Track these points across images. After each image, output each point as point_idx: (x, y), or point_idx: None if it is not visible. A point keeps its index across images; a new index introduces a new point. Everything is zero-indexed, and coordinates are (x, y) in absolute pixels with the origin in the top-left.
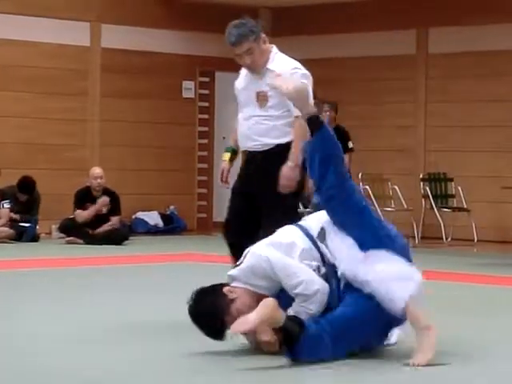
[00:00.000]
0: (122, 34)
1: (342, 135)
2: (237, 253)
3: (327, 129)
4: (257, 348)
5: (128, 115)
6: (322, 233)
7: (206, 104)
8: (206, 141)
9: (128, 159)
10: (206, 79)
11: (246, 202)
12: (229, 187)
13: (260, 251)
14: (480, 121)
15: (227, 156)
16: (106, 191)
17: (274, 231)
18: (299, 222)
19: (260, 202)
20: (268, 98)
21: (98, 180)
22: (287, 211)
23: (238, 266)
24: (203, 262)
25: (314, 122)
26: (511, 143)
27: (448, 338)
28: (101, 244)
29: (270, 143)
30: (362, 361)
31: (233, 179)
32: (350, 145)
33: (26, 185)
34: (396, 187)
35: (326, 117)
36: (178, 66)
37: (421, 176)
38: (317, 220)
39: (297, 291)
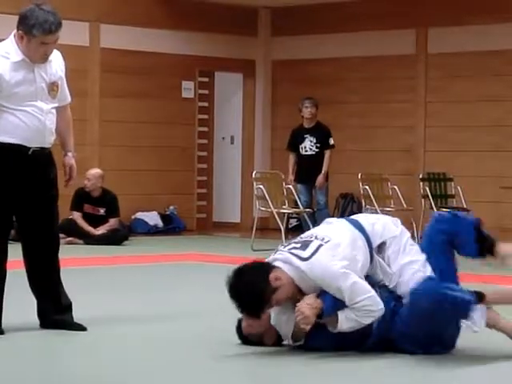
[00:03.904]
0: (121, 33)
1: (325, 132)
2: None
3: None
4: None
5: (127, 115)
6: (382, 245)
7: (206, 104)
8: (205, 141)
9: (127, 159)
10: (206, 79)
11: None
12: None
13: (333, 267)
14: (479, 121)
15: None
16: (104, 192)
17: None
18: (364, 226)
19: (36, 203)
20: (59, 88)
21: (85, 181)
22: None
23: (300, 257)
24: (203, 262)
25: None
26: (510, 143)
27: None
28: (100, 244)
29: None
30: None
31: None
32: (331, 142)
33: None
34: (396, 187)
35: (306, 113)
36: (178, 66)
37: (420, 176)
38: (383, 228)
39: (361, 304)
